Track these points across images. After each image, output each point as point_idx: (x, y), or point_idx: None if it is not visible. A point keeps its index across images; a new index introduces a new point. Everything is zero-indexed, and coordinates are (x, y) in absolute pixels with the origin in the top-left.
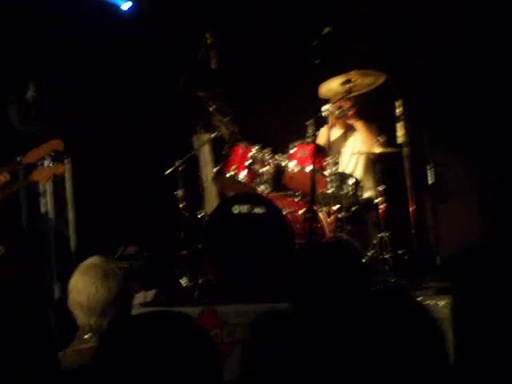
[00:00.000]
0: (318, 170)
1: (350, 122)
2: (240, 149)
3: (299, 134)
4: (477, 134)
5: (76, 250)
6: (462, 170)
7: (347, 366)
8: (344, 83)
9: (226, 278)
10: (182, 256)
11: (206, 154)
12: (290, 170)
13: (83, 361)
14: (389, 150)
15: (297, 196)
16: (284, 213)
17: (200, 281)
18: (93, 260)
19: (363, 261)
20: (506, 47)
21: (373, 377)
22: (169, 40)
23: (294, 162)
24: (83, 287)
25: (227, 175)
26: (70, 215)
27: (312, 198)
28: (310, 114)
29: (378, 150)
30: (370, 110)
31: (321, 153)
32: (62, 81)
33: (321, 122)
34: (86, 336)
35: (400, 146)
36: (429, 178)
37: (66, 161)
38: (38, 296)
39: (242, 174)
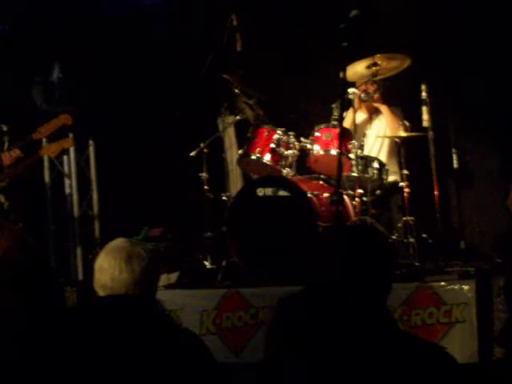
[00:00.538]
0: (343, 153)
1: (375, 105)
2: (265, 131)
3: (324, 117)
4: (502, 118)
5: (100, 231)
6: (486, 154)
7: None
8: (370, 66)
9: (249, 261)
10: (206, 238)
11: (230, 137)
12: (314, 152)
13: None
14: (414, 133)
15: (321, 179)
16: (308, 195)
17: (224, 263)
18: (118, 241)
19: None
20: None
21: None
22: (194, 22)
23: (319, 145)
24: (107, 268)
25: (252, 158)
26: (94, 196)
27: (338, 180)
28: (335, 96)
29: (402, 133)
30: (395, 94)
31: (346, 136)
32: (87, 62)
33: (346, 104)
34: None
35: (425, 129)
36: (454, 162)
37: (70, 135)
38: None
39: (267, 157)
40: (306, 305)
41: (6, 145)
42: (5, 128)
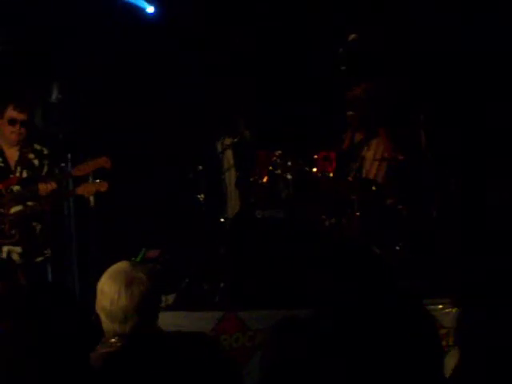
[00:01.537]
0: (342, 175)
1: (374, 127)
2: (263, 154)
3: (323, 140)
4: (503, 141)
5: (97, 252)
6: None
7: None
8: (368, 89)
9: (247, 283)
10: (204, 259)
11: (229, 159)
12: (313, 175)
13: None
14: (411, 156)
15: (319, 201)
16: (307, 218)
17: (221, 285)
18: (120, 265)
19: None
20: None
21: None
22: (192, 42)
23: (317, 168)
24: (108, 292)
25: (250, 180)
26: (93, 218)
27: (337, 203)
28: (333, 119)
29: (400, 156)
30: (393, 116)
31: (344, 158)
32: (87, 83)
33: (344, 127)
34: (113, 340)
35: (423, 152)
36: (452, 184)
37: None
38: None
39: (265, 179)
40: (306, 332)
41: (46, 169)
42: (45, 151)
